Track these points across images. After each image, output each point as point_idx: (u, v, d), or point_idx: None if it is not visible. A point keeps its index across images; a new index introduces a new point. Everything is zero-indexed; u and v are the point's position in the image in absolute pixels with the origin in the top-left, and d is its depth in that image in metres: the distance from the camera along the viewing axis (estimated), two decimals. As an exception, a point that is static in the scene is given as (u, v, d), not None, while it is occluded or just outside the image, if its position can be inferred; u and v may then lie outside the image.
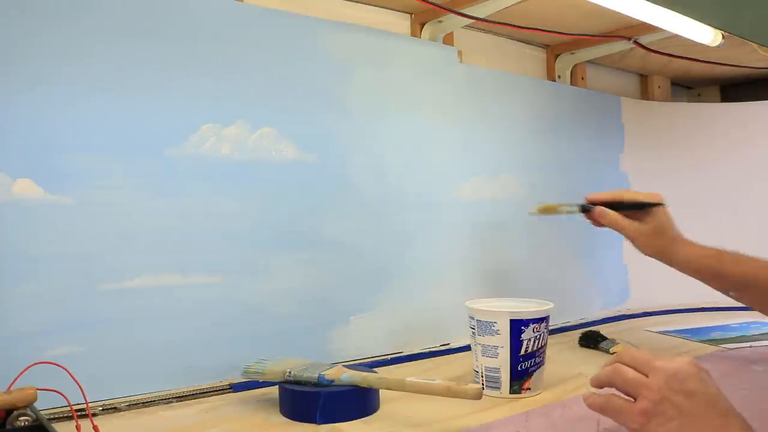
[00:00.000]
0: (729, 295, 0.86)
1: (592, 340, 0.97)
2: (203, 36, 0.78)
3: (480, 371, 0.74)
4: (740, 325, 1.11)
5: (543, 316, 0.73)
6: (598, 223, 0.89)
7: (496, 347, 0.72)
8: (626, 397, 0.53)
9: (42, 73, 0.67)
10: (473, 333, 0.75)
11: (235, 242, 0.79)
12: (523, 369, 0.72)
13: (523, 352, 0.72)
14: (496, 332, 0.72)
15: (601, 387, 0.56)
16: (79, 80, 0.69)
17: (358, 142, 0.91)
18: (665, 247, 0.86)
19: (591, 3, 0.89)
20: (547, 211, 0.91)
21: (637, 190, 0.90)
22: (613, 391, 0.54)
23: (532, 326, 0.72)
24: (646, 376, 0.52)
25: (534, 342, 0.72)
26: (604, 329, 1.03)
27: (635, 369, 0.53)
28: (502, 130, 1.10)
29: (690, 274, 0.87)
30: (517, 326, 0.71)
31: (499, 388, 0.73)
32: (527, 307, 0.75)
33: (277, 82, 0.83)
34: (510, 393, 0.72)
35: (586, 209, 0.88)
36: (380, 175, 0.93)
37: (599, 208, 0.87)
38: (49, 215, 0.67)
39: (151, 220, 0.73)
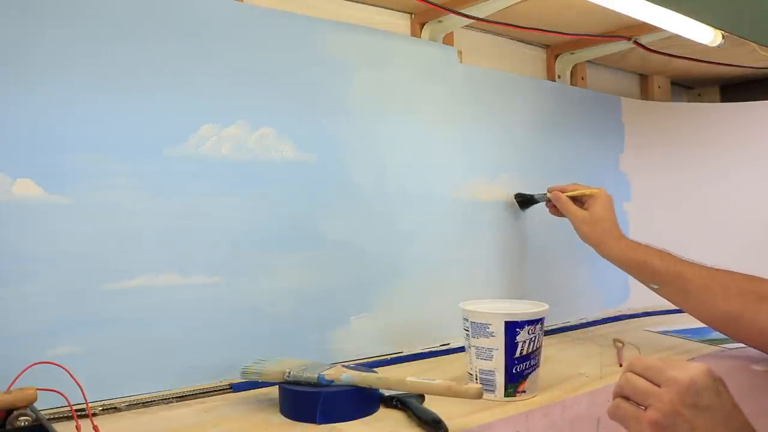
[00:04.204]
0: (651, 288, 0.91)
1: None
2: (203, 36, 0.78)
3: (474, 374, 0.74)
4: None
5: (538, 317, 0.73)
6: (554, 209, 1.01)
7: (490, 349, 0.72)
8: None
9: (42, 73, 0.67)
10: (467, 335, 0.74)
11: (235, 242, 0.79)
12: (519, 371, 0.71)
13: (518, 354, 0.71)
14: (491, 334, 0.71)
15: (616, 398, 0.55)
16: (79, 80, 0.69)
17: (358, 142, 0.91)
18: (598, 237, 0.95)
19: (591, 3, 0.89)
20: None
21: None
22: None
23: (527, 328, 0.71)
24: (659, 385, 0.51)
25: (529, 344, 0.72)
26: (604, 329, 1.03)
27: (648, 378, 0.52)
28: (502, 130, 1.09)
29: (618, 266, 0.94)
30: (512, 328, 0.71)
31: (494, 390, 0.72)
32: (522, 309, 0.75)
33: (277, 82, 0.83)
34: (505, 396, 0.72)
35: (540, 199, 1.04)
36: (380, 175, 0.93)
37: (555, 193, 0.99)
38: (49, 215, 0.67)
39: (151, 220, 0.73)
